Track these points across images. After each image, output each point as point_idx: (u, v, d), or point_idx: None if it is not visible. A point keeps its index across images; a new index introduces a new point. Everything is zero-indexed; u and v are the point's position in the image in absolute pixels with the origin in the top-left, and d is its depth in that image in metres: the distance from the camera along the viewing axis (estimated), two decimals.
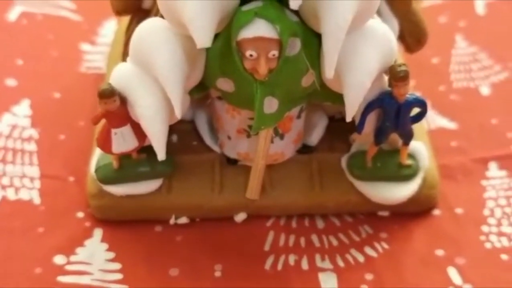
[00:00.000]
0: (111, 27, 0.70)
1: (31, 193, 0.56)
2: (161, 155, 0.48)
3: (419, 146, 0.55)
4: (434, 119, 0.62)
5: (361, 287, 0.51)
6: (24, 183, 0.57)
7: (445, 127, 0.62)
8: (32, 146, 0.59)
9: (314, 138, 0.56)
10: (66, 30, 0.70)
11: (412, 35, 0.55)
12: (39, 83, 0.64)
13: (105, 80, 0.62)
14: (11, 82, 0.64)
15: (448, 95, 0.65)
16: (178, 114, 0.47)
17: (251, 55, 0.45)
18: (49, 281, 0.51)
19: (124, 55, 0.58)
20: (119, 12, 0.56)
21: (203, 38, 0.43)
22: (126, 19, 0.64)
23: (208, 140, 0.56)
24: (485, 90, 0.65)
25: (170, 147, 0.50)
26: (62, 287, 0.51)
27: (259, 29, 0.44)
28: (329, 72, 0.45)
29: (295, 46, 0.46)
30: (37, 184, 0.57)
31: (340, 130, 0.56)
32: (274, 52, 0.45)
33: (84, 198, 0.56)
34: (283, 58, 0.45)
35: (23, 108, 0.62)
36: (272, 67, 0.45)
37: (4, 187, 0.56)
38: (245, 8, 0.45)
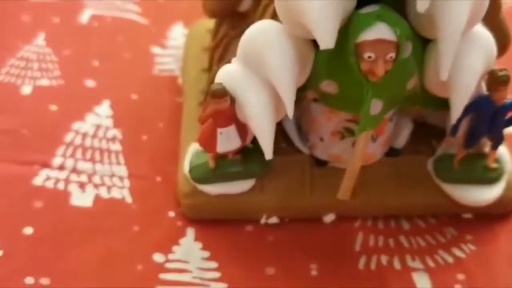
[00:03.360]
0: (178, 31, 0.71)
1: (122, 192, 0.57)
2: (268, 154, 0.49)
3: (502, 149, 0.56)
4: None
5: (454, 287, 0.52)
6: (115, 182, 0.57)
7: None
8: (117, 146, 0.60)
9: (401, 141, 0.57)
10: (135, 32, 0.71)
11: (499, 42, 0.56)
12: (116, 85, 0.65)
13: (181, 83, 0.64)
14: (90, 83, 0.65)
15: None
16: (290, 114, 0.47)
17: (369, 57, 0.46)
18: (152, 278, 0.52)
19: (212, 60, 0.59)
20: (214, 13, 0.56)
21: (327, 39, 0.44)
22: (195, 24, 0.66)
23: (297, 141, 0.57)
24: None
25: (261, 149, 0.50)
26: (165, 284, 0.51)
27: (381, 31, 0.45)
28: (443, 74, 0.46)
29: (408, 49, 0.47)
30: (127, 183, 0.57)
31: (422, 133, 0.57)
32: (392, 54, 0.46)
33: (173, 198, 0.56)
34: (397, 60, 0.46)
35: (105, 109, 0.63)
36: (388, 69, 0.46)
37: (96, 186, 0.57)
38: (364, 11, 0.46)
